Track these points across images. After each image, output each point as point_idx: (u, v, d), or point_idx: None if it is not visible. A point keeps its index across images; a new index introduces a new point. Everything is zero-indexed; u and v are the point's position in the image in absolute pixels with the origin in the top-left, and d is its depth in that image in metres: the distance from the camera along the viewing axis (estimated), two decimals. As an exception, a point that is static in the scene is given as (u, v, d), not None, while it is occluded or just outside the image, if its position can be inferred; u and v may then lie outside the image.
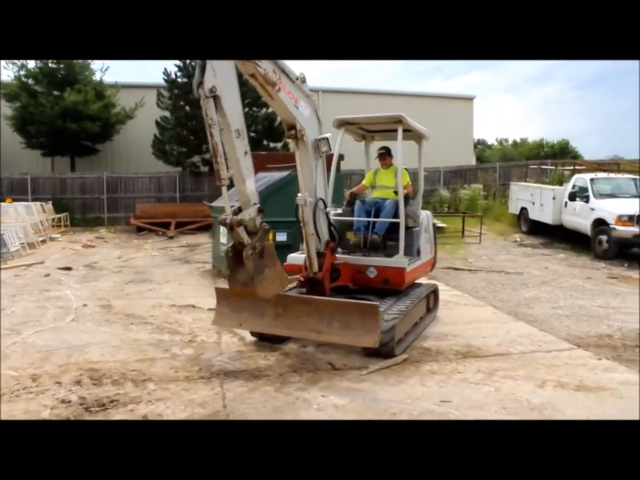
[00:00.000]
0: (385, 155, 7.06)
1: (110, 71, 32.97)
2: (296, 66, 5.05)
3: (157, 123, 20.53)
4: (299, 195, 5.59)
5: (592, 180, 14.19)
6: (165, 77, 20.23)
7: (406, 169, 6.74)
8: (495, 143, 63.74)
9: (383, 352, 5.46)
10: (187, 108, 20.20)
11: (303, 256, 5.98)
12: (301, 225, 5.65)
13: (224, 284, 8.97)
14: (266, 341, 5.99)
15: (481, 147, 52.27)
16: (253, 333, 6.11)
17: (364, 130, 7.28)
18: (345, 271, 6.09)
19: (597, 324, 7.15)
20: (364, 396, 4.68)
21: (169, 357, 5.67)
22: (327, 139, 5.61)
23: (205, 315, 7.32)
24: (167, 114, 20.58)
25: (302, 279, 5.89)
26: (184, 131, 19.99)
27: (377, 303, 5.41)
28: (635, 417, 4.37)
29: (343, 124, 6.79)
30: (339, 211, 7.06)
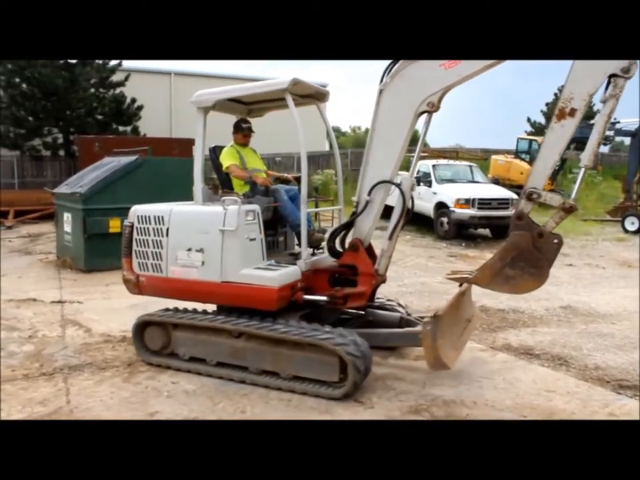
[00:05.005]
0: (251, 132, 5.73)
1: None
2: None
3: (-12, 101, 18.68)
4: (402, 175, 4.76)
5: (434, 166, 15.27)
6: (-3, 51, 18.39)
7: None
8: (349, 130, 66.07)
9: None
10: (24, 86, 18.56)
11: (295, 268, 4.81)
12: (399, 216, 4.85)
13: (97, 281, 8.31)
14: None
15: (335, 134, 53.97)
16: None
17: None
18: None
19: (437, 298, 7.76)
20: (214, 380, 4.69)
21: (5, 356, 5.27)
22: None
23: (48, 309, 6.87)
24: (0, 91, 18.76)
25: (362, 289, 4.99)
26: (20, 110, 18.36)
27: None
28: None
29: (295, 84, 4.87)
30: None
